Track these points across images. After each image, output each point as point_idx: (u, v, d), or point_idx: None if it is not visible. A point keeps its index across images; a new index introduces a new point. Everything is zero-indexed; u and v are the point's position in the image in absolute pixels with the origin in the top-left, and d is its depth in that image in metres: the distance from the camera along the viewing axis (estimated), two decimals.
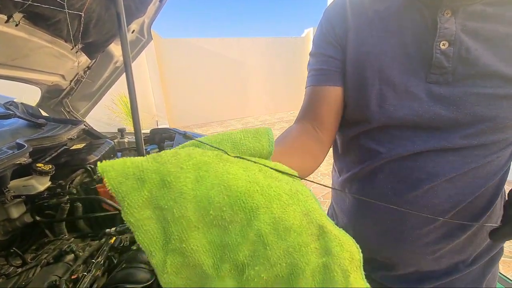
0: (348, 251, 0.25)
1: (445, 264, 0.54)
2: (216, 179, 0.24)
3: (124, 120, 6.01)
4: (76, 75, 1.32)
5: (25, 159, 0.82)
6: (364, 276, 0.26)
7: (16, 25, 0.77)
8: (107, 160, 0.25)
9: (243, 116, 8.14)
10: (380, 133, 0.52)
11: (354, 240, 0.27)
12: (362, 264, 0.26)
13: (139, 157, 0.25)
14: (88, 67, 1.33)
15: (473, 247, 0.54)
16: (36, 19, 0.81)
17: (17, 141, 0.90)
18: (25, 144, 0.86)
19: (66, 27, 0.89)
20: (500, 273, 1.30)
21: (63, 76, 1.25)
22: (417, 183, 0.48)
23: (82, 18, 0.91)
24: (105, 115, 5.84)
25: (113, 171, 0.24)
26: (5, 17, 0.73)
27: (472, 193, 0.48)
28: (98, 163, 0.24)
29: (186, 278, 0.25)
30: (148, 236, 0.24)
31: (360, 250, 0.26)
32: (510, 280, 1.24)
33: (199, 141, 0.29)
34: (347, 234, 0.27)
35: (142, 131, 1.87)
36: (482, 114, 0.43)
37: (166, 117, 6.87)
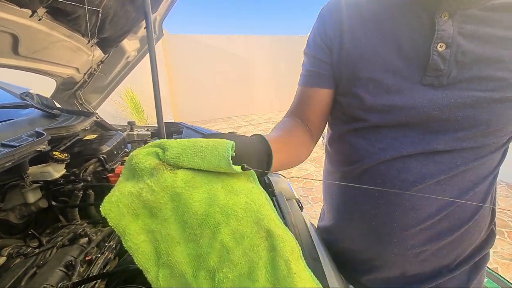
0: (289, 246, 0.33)
1: (429, 268, 0.53)
2: (186, 208, 0.32)
3: (130, 114, 6.08)
4: (90, 68, 1.36)
5: (45, 146, 0.87)
6: (306, 264, 0.34)
7: (39, 19, 0.81)
8: (105, 202, 0.33)
9: (247, 113, 8.17)
10: (371, 133, 0.51)
11: (294, 237, 0.35)
12: (302, 255, 0.34)
13: (128, 193, 0.33)
14: (101, 61, 1.37)
15: (458, 251, 0.52)
16: (58, 14, 0.85)
17: (36, 129, 0.95)
18: (44, 133, 0.91)
19: (85, 22, 0.94)
20: (499, 275, 1.32)
21: (77, 69, 1.30)
22: (404, 185, 0.48)
23: (100, 14, 0.95)
24: (113, 108, 5.92)
25: (112, 213, 0.32)
26: (30, 12, 0.77)
27: (460, 196, 0.47)
28: (101, 207, 0.33)
29: None
30: (144, 256, 0.33)
31: (299, 245, 0.35)
32: (509, 282, 1.26)
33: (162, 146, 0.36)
34: (289, 233, 0.35)
35: (150, 125, 1.92)
36: (475, 117, 0.43)
37: (172, 113, 6.93)
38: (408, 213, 0.49)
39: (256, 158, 0.39)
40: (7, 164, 0.71)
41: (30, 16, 0.78)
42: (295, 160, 0.51)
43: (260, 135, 0.43)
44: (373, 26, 0.49)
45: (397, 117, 0.47)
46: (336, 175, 0.62)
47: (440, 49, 0.43)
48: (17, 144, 0.82)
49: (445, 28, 0.42)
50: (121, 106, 6.02)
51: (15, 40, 0.83)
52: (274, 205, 0.72)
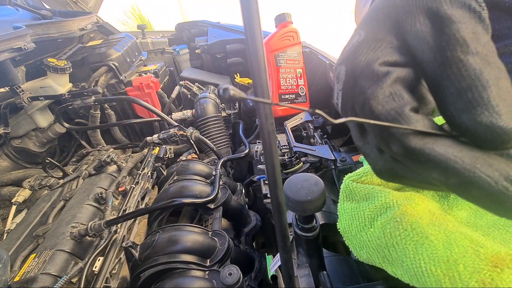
0: None
1: None
2: None
3: None
4: None
5: (25, 43, 0.60)
6: None
7: None
8: None
9: None
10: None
11: None
12: None
13: None
14: None
15: None
16: None
17: (14, 24, 0.67)
18: (23, 26, 0.63)
19: None
20: None
21: None
22: None
23: None
24: (121, 30, 5.40)
25: None
26: None
27: None
28: None
29: None
30: None
31: None
32: None
33: None
34: None
35: (166, 30, 1.55)
36: None
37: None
38: None
39: None
40: None
41: None
42: None
43: None
44: None
45: None
46: None
47: None
48: None
49: None
50: (130, 26, 5.45)
51: None
52: None
